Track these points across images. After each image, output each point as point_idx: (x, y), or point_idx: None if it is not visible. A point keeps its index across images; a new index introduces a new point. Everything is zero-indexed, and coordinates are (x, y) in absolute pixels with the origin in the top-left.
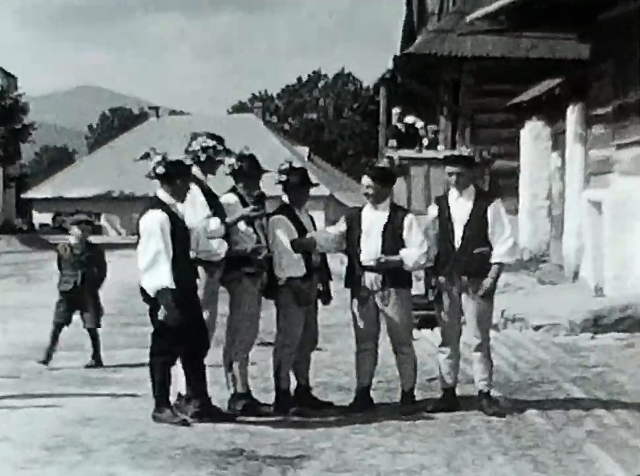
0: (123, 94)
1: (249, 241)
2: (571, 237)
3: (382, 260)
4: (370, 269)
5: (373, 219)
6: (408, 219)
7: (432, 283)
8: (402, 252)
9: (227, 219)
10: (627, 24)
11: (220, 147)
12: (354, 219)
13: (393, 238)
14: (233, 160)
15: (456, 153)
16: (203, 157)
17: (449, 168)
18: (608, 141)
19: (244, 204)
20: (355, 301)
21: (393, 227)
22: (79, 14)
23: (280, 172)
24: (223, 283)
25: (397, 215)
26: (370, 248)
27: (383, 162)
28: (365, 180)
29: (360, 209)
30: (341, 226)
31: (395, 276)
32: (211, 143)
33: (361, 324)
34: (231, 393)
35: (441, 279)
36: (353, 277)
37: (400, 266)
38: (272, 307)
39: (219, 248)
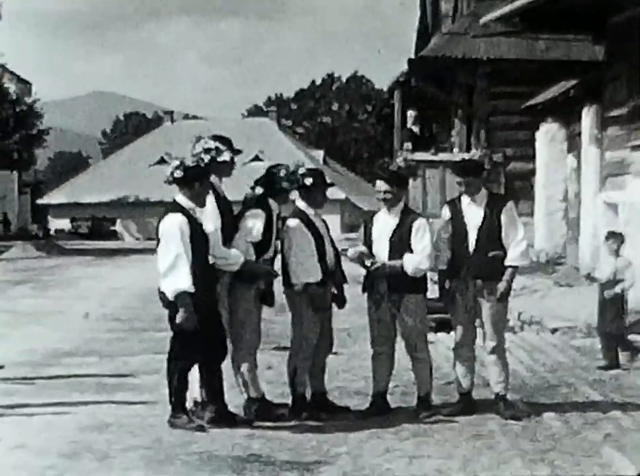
0: (136, 99)
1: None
2: (587, 238)
3: (378, 265)
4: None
5: (384, 224)
6: (417, 223)
7: (447, 286)
8: (405, 257)
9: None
10: (639, 26)
11: (223, 148)
12: (368, 224)
13: (400, 242)
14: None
15: (467, 156)
16: (206, 159)
17: (457, 178)
18: (624, 143)
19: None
20: (371, 304)
21: (401, 232)
22: (91, 21)
23: (302, 175)
24: None
25: (407, 219)
26: (381, 253)
27: (396, 164)
28: (380, 184)
29: (374, 213)
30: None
31: (404, 281)
32: (213, 144)
33: (376, 328)
34: (245, 398)
35: (456, 282)
36: (368, 282)
37: (401, 270)
38: (288, 311)
39: (236, 258)
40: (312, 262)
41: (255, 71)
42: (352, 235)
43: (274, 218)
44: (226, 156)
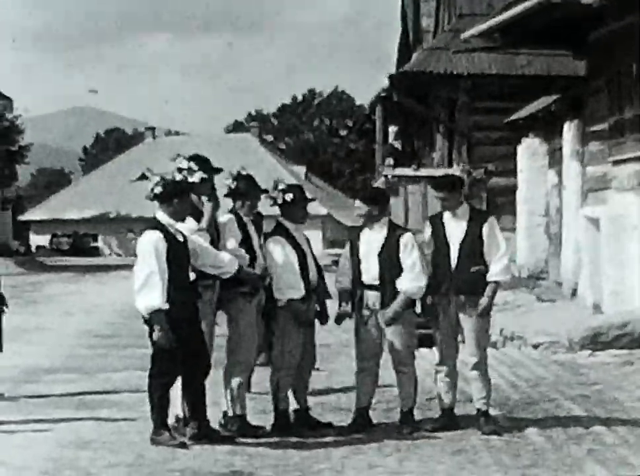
0: (117, 115)
1: (242, 262)
2: (569, 253)
3: (390, 315)
4: (371, 288)
5: (371, 240)
6: (405, 238)
7: (429, 302)
8: (400, 284)
9: (202, 222)
10: (620, 41)
11: (195, 168)
12: (354, 239)
13: (389, 258)
14: (229, 180)
15: (448, 172)
16: (178, 178)
17: (436, 193)
18: (605, 158)
19: (242, 225)
20: (359, 320)
21: (389, 248)
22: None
23: (282, 191)
24: (220, 304)
25: (394, 234)
26: (370, 269)
27: (379, 182)
28: (359, 204)
29: (361, 228)
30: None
31: (397, 294)
32: (186, 164)
33: (362, 343)
34: (224, 411)
35: (438, 298)
36: (355, 297)
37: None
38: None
39: (230, 264)
40: (294, 278)
41: (236, 87)
42: (334, 251)
43: (248, 226)
44: (197, 177)
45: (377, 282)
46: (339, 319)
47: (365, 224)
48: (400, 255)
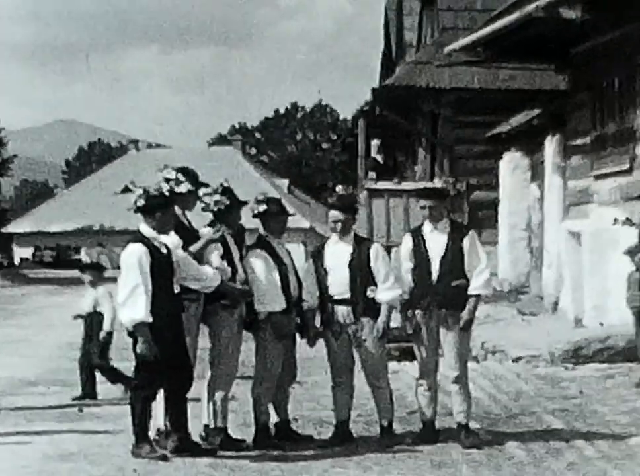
0: (101, 128)
1: (224, 275)
2: (550, 267)
3: (380, 330)
4: (341, 302)
5: (338, 253)
6: (374, 249)
7: (410, 315)
8: (378, 294)
9: (193, 246)
10: (603, 56)
11: (182, 179)
12: (317, 256)
13: (360, 270)
14: (206, 191)
15: (429, 185)
16: (164, 188)
17: (422, 202)
18: (587, 172)
19: (222, 238)
20: (328, 335)
21: (359, 259)
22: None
23: (257, 202)
24: (201, 317)
25: (362, 246)
26: (339, 282)
27: (341, 190)
28: (334, 213)
29: (322, 245)
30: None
31: (368, 307)
32: (174, 175)
33: (336, 358)
34: (205, 424)
35: (419, 311)
36: (325, 313)
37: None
38: (251, 339)
39: (213, 279)
40: (275, 291)
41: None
42: None
43: (228, 239)
44: (184, 188)
45: (347, 295)
46: (314, 341)
47: (342, 233)
48: (371, 266)
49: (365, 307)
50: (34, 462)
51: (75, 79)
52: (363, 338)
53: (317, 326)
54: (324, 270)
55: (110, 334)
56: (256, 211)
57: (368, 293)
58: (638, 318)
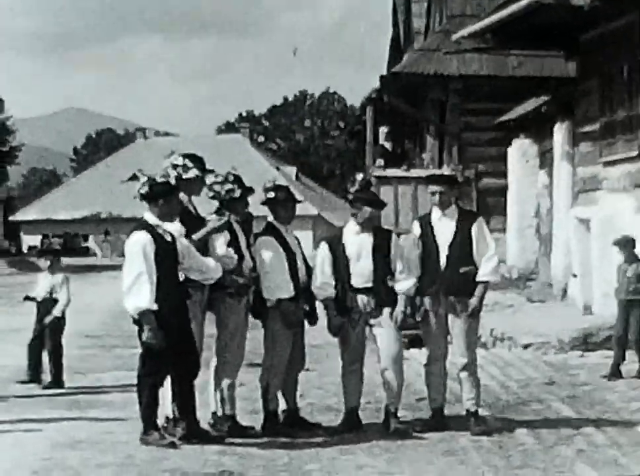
0: (108, 116)
1: (230, 263)
2: (559, 254)
3: (399, 318)
4: (362, 291)
5: (360, 242)
6: (394, 239)
7: (418, 302)
8: (398, 286)
9: (196, 235)
10: (611, 43)
11: (190, 165)
12: (335, 245)
13: (383, 259)
14: (216, 180)
15: (438, 172)
16: (172, 174)
17: (431, 188)
18: (595, 159)
19: (229, 225)
20: (346, 323)
21: (381, 249)
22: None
23: (266, 190)
24: (208, 305)
25: (382, 235)
26: (362, 272)
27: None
28: (367, 210)
29: (338, 235)
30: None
31: (388, 295)
32: (181, 161)
33: (350, 346)
34: (213, 412)
35: (428, 299)
36: (344, 302)
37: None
38: (259, 327)
39: (215, 270)
40: (284, 278)
41: (227, 88)
42: None
43: (235, 226)
44: (192, 174)
45: (369, 284)
46: (336, 330)
47: (368, 226)
48: (391, 256)
49: (385, 295)
50: (43, 450)
51: (82, 67)
52: (382, 326)
53: (339, 316)
54: (346, 258)
55: (59, 319)
56: (265, 198)
57: (388, 282)
58: (621, 310)
